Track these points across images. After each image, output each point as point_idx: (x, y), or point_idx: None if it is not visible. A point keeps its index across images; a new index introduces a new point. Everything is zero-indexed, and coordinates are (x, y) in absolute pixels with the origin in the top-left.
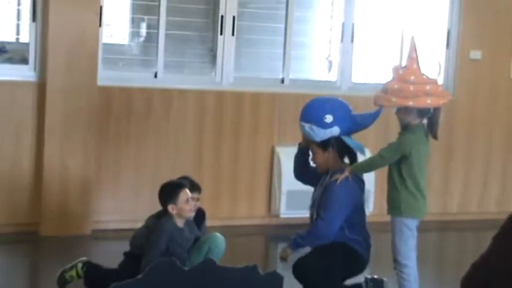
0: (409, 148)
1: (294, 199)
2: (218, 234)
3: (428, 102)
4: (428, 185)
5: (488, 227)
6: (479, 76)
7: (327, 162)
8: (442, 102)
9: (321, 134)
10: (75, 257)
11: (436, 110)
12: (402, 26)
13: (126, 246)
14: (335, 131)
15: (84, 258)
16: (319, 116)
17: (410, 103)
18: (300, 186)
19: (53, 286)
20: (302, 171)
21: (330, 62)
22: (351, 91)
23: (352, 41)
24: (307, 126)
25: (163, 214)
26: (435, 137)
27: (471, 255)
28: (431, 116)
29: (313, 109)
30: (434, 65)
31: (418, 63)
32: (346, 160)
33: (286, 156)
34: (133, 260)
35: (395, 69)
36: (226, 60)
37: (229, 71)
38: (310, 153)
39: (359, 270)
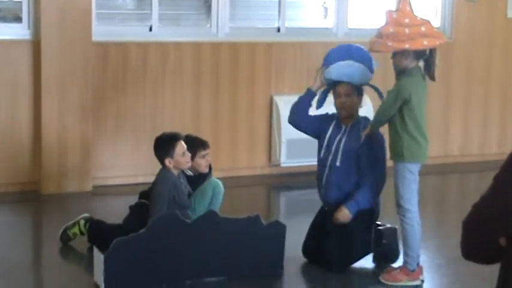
0: (408, 92)
1: (294, 148)
2: (216, 179)
3: (425, 43)
4: (428, 128)
5: (490, 168)
6: (476, 17)
7: (356, 107)
8: (439, 43)
9: (368, 77)
10: (77, 213)
11: (432, 51)
12: None
13: (127, 202)
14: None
15: (86, 215)
16: (371, 60)
17: (407, 46)
18: (299, 135)
19: (56, 243)
20: (303, 117)
21: (326, 9)
22: (347, 37)
23: None
24: (357, 65)
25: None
26: (433, 78)
27: (473, 197)
28: (427, 57)
29: (363, 51)
30: (431, 6)
31: (410, 5)
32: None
33: (285, 106)
34: (138, 214)
35: (389, 13)
36: (221, 11)
37: (225, 21)
38: (335, 96)
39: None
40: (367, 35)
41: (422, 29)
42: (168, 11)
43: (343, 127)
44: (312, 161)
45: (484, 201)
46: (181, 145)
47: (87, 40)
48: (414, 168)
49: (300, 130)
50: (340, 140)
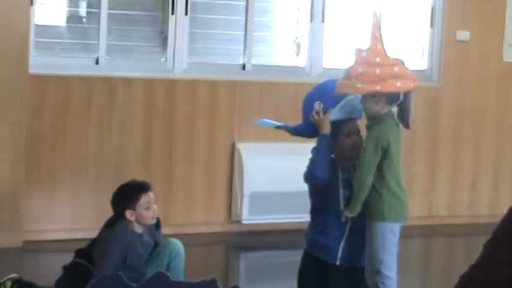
0: (386, 140)
1: (257, 203)
2: (174, 239)
3: (398, 85)
4: (412, 185)
5: (479, 232)
6: (468, 60)
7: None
8: (413, 85)
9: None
10: (4, 273)
11: (407, 94)
12: (378, 2)
13: (63, 259)
14: None
15: (14, 275)
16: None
17: (378, 88)
18: (264, 188)
19: None
20: (327, 169)
21: (298, 45)
22: (321, 78)
23: (323, 21)
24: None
25: (115, 220)
26: (407, 126)
27: (461, 265)
28: (401, 102)
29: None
30: (417, 47)
31: (382, 43)
32: None
33: (249, 154)
34: (73, 276)
35: (358, 52)
36: (178, 44)
37: (183, 56)
38: (344, 136)
39: None
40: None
41: (396, 69)
42: (118, 41)
43: (347, 170)
44: (279, 218)
45: (473, 273)
46: (148, 196)
47: (23, 72)
48: (396, 228)
49: (321, 186)
50: (346, 191)
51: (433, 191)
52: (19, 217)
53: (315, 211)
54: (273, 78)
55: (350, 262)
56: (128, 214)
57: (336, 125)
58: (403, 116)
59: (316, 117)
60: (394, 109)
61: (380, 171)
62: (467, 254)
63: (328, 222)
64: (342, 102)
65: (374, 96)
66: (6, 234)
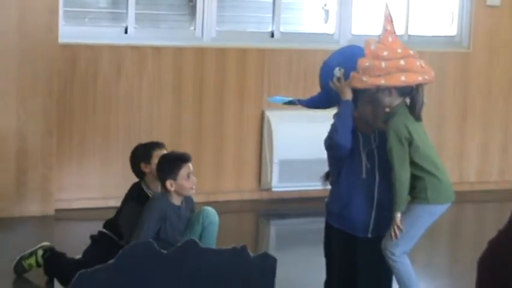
0: (406, 130)
1: (287, 170)
2: (208, 207)
3: (403, 79)
4: (441, 151)
5: (510, 198)
6: (498, 25)
7: None
8: (422, 79)
9: None
10: (36, 241)
11: (418, 87)
12: None
13: (94, 228)
14: None
15: (46, 244)
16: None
17: (383, 82)
18: (294, 155)
19: (9, 275)
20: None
21: (327, 12)
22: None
23: None
24: None
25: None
26: (418, 118)
27: (491, 232)
28: (413, 94)
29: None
30: (446, 13)
31: (394, 36)
32: None
33: (278, 121)
34: (102, 246)
35: (367, 44)
36: (207, 12)
37: (211, 24)
38: (369, 106)
39: None
40: None
41: (402, 62)
42: (146, 10)
43: (368, 136)
44: (308, 186)
45: (501, 237)
46: (188, 167)
47: (52, 42)
48: (437, 209)
49: (342, 154)
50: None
51: (463, 156)
52: (51, 186)
53: (336, 181)
54: (301, 45)
55: (379, 233)
56: (168, 184)
57: (355, 90)
58: (414, 108)
59: (337, 83)
60: (407, 100)
61: (411, 160)
62: (498, 221)
63: (354, 195)
64: None
65: (384, 88)
66: (39, 203)
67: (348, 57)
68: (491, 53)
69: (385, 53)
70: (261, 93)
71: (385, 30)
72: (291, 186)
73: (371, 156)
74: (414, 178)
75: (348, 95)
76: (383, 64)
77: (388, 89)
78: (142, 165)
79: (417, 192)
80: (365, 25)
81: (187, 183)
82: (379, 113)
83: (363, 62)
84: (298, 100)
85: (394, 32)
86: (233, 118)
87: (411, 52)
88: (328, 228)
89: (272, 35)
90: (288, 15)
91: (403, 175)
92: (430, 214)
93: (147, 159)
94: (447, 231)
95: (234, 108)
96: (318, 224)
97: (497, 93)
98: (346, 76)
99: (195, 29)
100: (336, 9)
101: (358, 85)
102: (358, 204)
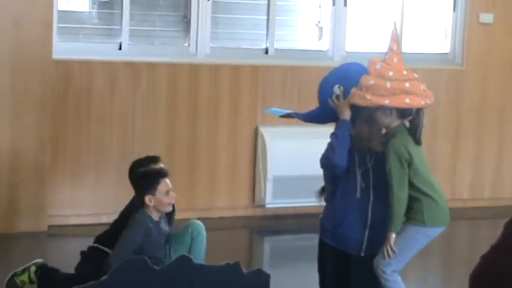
0: (406, 151)
1: (281, 186)
2: (196, 220)
3: (407, 101)
4: (434, 167)
5: (503, 214)
6: (491, 43)
7: None
8: (424, 103)
9: None
10: (29, 258)
11: (419, 111)
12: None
13: (87, 244)
14: None
15: (39, 260)
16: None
17: (387, 102)
18: (288, 172)
19: None
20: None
21: (321, 29)
22: (344, 61)
23: (345, 4)
24: None
25: (137, 205)
26: (418, 142)
27: (484, 248)
28: (413, 118)
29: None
30: (440, 30)
31: (399, 57)
32: None
33: (272, 138)
34: (92, 261)
35: (372, 64)
36: (201, 28)
37: (205, 40)
38: (366, 125)
39: None
40: (366, 59)
41: (407, 85)
42: (141, 26)
43: (365, 155)
44: (302, 202)
45: (494, 252)
46: (166, 183)
47: (46, 57)
48: (432, 232)
49: (337, 173)
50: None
51: (456, 172)
52: (44, 202)
53: (331, 199)
54: (295, 62)
55: (372, 251)
56: (147, 199)
57: (354, 108)
58: (414, 132)
59: (336, 101)
60: (407, 123)
61: (409, 182)
62: (491, 237)
63: (348, 214)
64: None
65: (385, 109)
66: (32, 219)
67: (348, 74)
68: (484, 71)
69: (391, 73)
70: (255, 109)
71: (390, 50)
72: (284, 203)
73: (366, 176)
74: (411, 199)
75: (347, 115)
76: (388, 84)
77: (390, 110)
78: (147, 198)
79: (413, 213)
80: (359, 42)
81: (166, 198)
82: (375, 133)
83: (367, 80)
84: (296, 113)
85: (400, 54)
86: (227, 134)
87: (415, 75)
88: (322, 244)
89: (266, 52)
90: (282, 32)
91: (401, 196)
92: (424, 236)
93: (152, 191)
94: (440, 249)
95: (228, 125)
96: (312, 241)
97: (490, 110)
98: (346, 94)
99: (189, 45)
100: (330, 27)
101: (361, 102)
102: (352, 223)
